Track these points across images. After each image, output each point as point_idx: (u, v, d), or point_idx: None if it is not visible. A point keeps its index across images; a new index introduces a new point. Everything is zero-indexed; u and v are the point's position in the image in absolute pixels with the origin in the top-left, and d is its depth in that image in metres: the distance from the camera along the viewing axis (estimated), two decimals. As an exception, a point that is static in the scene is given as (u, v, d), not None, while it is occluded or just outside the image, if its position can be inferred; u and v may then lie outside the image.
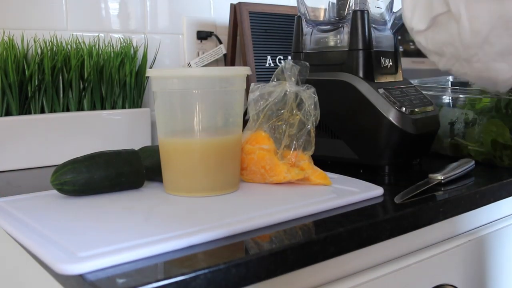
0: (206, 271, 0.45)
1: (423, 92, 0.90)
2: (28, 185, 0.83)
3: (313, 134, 0.74)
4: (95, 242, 0.49)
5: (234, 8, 1.17)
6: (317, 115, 0.74)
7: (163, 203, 0.65)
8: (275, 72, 0.77)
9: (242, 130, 0.72)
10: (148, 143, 1.03)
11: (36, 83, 0.92)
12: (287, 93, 0.75)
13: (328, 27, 0.88)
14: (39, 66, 0.92)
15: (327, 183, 0.71)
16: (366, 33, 0.83)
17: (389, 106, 0.78)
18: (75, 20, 1.02)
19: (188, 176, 0.66)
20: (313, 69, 0.83)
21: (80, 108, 0.98)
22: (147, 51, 1.05)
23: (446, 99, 0.97)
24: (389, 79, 0.86)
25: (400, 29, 0.89)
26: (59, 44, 0.95)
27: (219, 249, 0.50)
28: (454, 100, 0.95)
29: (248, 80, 0.95)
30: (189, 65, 1.17)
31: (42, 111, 0.94)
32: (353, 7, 0.84)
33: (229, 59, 1.19)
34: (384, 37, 0.87)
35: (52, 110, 0.95)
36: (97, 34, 1.03)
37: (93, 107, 0.99)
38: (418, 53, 1.53)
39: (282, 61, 1.19)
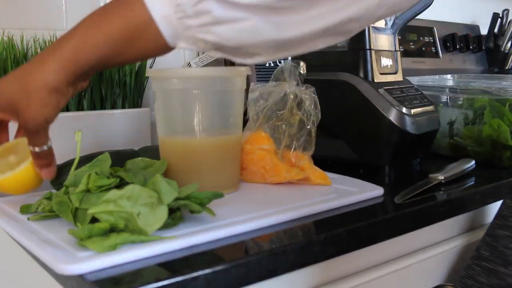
0: (206, 271, 0.45)
1: (422, 91, 0.90)
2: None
3: (313, 134, 0.74)
4: (95, 242, 0.49)
5: (234, 8, 1.16)
6: (318, 115, 0.74)
7: (163, 203, 0.65)
8: (275, 72, 0.77)
9: (242, 130, 0.72)
10: (148, 143, 1.03)
11: (36, 83, 0.92)
12: (287, 93, 0.74)
13: (328, 27, 0.87)
14: (39, 66, 0.92)
15: (327, 183, 0.71)
16: (366, 33, 0.83)
17: (389, 106, 0.78)
18: (74, 20, 1.02)
19: (188, 176, 0.66)
20: (313, 69, 0.83)
21: (80, 108, 0.98)
22: (147, 51, 1.05)
23: (445, 98, 0.97)
24: (389, 79, 0.86)
25: (400, 29, 0.89)
26: (59, 44, 0.95)
27: (219, 249, 0.50)
28: (453, 99, 0.95)
29: (248, 80, 0.95)
30: (189, 65, 1.17)
31: (42, 111, 0.94)
32: (353, 7, 0.84)
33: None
34: (384, 37, 0.87)
35: (52, 110, 0.95)
36: (97, 34, 1.03)
37: (93, 107, 0.99)
38: (418, 53, 1.53)
39: (282, 61, 1.19)
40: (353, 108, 0.82)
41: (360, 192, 0.67)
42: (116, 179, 0.56)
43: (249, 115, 0.76)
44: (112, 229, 0.49)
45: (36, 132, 0.56)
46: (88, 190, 0.54)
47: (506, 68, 1.76)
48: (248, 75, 0.70)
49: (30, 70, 0.53)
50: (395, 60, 0.89)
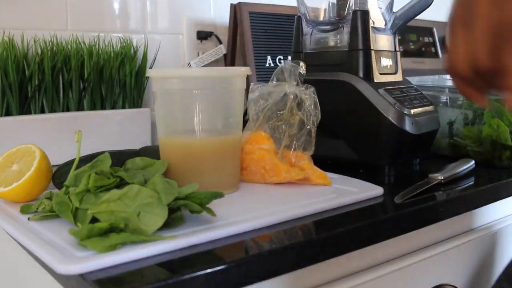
0: (206, 271, 0.45)
1: (422, 92, 0.90)
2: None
3: (313, 134, 0.74)
4: (95, 242, 0.49)
5: (234, 8, 1.17)
6: (318, 115, 0.74)
7: (163, 203, 0.65)
8: (275, 72, 0.77)
9: (242, 130, 0.72)
10: (148, 143, 1.03)
11: (36, 83, 0.92)
12: (287, 93, 0.75)
13: (328, 27, 0.88)
14: (39, 66, 0.92)
15: (327, 183, 0.71)
16: (366, 33, 0.83)
17: (389, 106, 0.78)
18: (75, 20, 1.02)
19: (188, 176, 0.66)
20: (313, 69, 0.84)
21: (80, 108, 0.98)
22: (147, 51, 1.05)
23: (444, 98, 0.97)
24: (389, 79, 0.86)
25: (400, 29, 0.89)
26: (59, 44, 0.95)
27: (219, 249, 0.50)
28: (453, 100, 0.95)
29: (248, 80, 0.95)
30: (189, 65, 1.17)
31: (42, 111, 0.94)
32: (353, 7, 0.84)
33: (229, 59, 1.19)
34: (384, 37, 0.87)
35: (52, 110, 0.95)
36: (97, 34, 1.03)
37: (93, 107, 0.99)
38: (418, 53, 1.53)
39: (282, 61, 1.19)
40: (353, 108, 0.82)
41: (360, 192, 0.67)
42: (116, 179, 0.56)
43: (249, 115, 0.76)
44: (112, 229, 0.49)
45: None
46: (88, 190, 0.54)
47: (506, 68, 1.75)
48: (248, 75, 0.70)
49: None
50: (395, 60, 0.89)
